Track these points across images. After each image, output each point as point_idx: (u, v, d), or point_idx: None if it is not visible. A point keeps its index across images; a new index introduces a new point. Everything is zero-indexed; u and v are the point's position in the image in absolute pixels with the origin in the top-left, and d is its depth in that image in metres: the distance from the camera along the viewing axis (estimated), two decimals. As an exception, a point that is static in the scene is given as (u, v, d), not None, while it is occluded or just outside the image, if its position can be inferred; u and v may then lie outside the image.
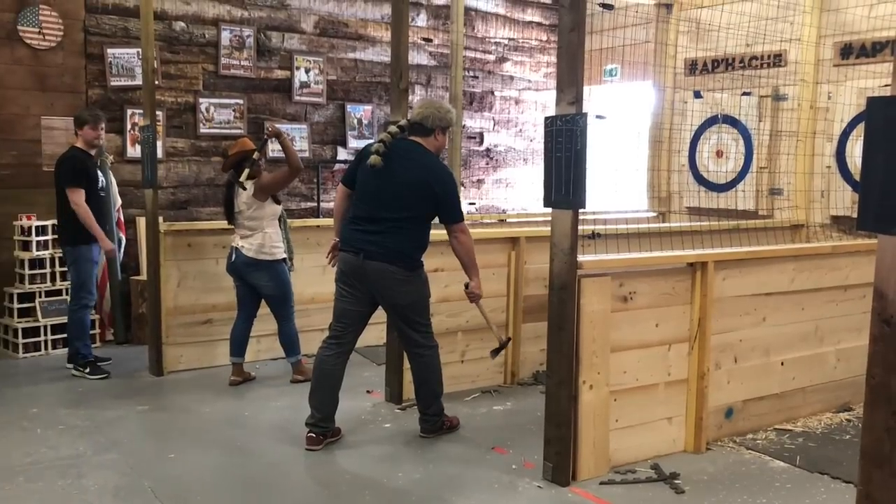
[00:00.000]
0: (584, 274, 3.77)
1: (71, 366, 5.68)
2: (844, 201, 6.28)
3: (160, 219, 5.65)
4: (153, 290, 5.61)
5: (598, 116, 3.78)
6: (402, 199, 4.12)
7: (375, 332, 6.08)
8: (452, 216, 4.22)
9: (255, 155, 5.10)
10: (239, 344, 5.45)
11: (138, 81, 6.53)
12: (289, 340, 5.44)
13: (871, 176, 2.50)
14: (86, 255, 5.60)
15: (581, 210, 3.68)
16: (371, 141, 4.40)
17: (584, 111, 3.61)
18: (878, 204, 2.48)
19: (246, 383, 5.46)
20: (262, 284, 5.28)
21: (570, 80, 3.65)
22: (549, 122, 3.72)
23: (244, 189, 5.09)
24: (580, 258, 3.74)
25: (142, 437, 4.49)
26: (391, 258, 4.13)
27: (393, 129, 4.24)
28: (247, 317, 5.45)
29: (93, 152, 5.67)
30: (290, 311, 5.44)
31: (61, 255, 5.96)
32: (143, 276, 6.37)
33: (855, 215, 6.21)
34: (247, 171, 5.03)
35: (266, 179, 5.26)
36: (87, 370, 5.60)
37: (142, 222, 6.53)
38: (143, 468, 4.00)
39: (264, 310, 5.50)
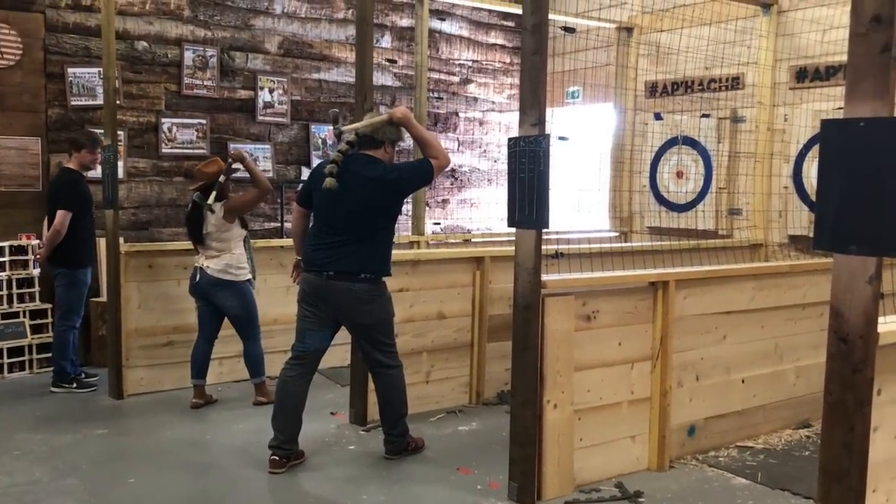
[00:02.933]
0: (548, 293, 3.79)
1: (58, 389, 5.68)
2: (801, 221, 6.40)
3: (121, 239, 5.59)
4: (113, 312, 5.52)
5: (560, 138, 3.82)
6: (362, 216, 4.13)
7: (339, 353, 6.04)
8: (424, 177, 4.32)
9: (221, 178, 5.10)
10: (200, 366, 5.38)
11: (99, 101, 6.47)
12: (254, 361, 5.38)
13: (827, 196, 2.56)
14: (81, 278, 5.69)
15: (545, 230, 3.72)
16: (324, 161, 4.39)
17: (546, 133, 3.66)
18: (833, 224, 2.54)
19: (208, 406, 5.39)
20: (227, 305, 5.24)
21: (533, 102, 3.69)
22: (513, 144, 3.76)
23: (212, 212, 5.08)
24: (544, 277, 3.76)
25: (101, 461, 4.39)
26: (355, 277, 4.12)
27: (343, 146, 4.23)
28: (208, 338, 5.39)
29: (86, 175, 5.73)
30: (257, 331, 5.40)
31: (38, 274, 5.97)
32: (103, 298, 6.27)
33: (812, 235, 6.35)
34: (214, 193, 5.04)
35: (235, 201, 5.24)
36: (75, 385, 5.67)
37: (102, 243, 6.43)
38: (102, 494, 3.92)
39: (226, 332, 5.44)
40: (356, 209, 4.12)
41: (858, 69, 2.46)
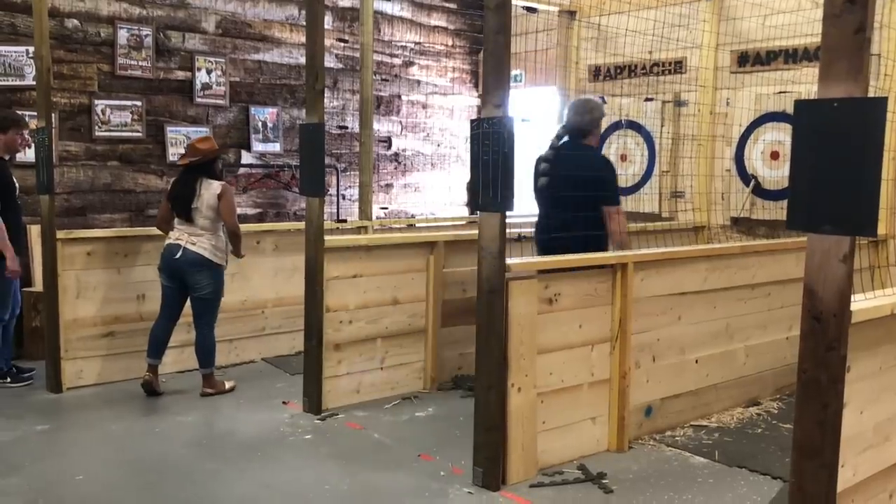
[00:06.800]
0: (512, 276, 3.76)
1: None
2: (743, 203, 6.52)
3: (54, 226, 5.33)
4: (50, 303, 5.27)
5: (523, 120, 3.78)
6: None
7: (287, 341, 5.95)
8: (607, 200, 4.54)
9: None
10: (159, 344, 5.22)
11: (28, 81, 6.18)
12: (207, 351, 5.22)
13: (800, 176, 2.56)
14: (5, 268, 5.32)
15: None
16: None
17: (511, 114, 3.61)
18: (807, 204, 2.54)
19: (153, 397, 5.19)
20: (200, 285, 5.10)
21: (497, 82, 3.63)
22: (476, 125, 3.70)
23: None
24: (508, 261, 3.73)
25: (45, 458, 4.19)
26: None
27: (553, 141, 4.64)
28: (170, 317, 5.25)
29: (7, 157, 5.37)
30: (214, 319, 5.26)
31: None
32: (36, 288, 6.00)
33: (753, 217, 6.48)
34: None
35: (230, 201, 5.17)
36: (8, 380, 5.39)
37: (34, 230, 6.15)
38: (49, 492, 3.74)
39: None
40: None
41: (832, 50, 2.47)
